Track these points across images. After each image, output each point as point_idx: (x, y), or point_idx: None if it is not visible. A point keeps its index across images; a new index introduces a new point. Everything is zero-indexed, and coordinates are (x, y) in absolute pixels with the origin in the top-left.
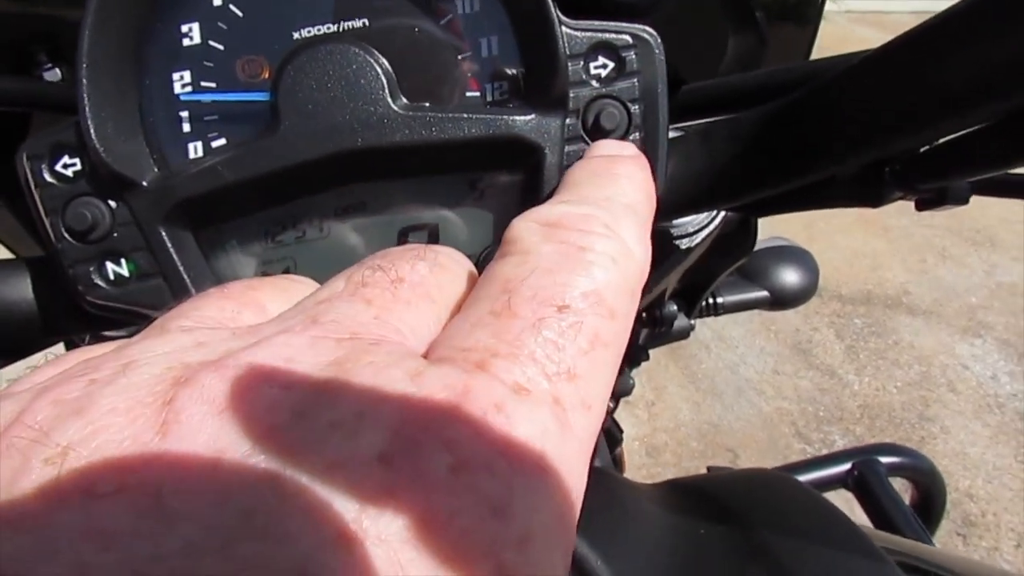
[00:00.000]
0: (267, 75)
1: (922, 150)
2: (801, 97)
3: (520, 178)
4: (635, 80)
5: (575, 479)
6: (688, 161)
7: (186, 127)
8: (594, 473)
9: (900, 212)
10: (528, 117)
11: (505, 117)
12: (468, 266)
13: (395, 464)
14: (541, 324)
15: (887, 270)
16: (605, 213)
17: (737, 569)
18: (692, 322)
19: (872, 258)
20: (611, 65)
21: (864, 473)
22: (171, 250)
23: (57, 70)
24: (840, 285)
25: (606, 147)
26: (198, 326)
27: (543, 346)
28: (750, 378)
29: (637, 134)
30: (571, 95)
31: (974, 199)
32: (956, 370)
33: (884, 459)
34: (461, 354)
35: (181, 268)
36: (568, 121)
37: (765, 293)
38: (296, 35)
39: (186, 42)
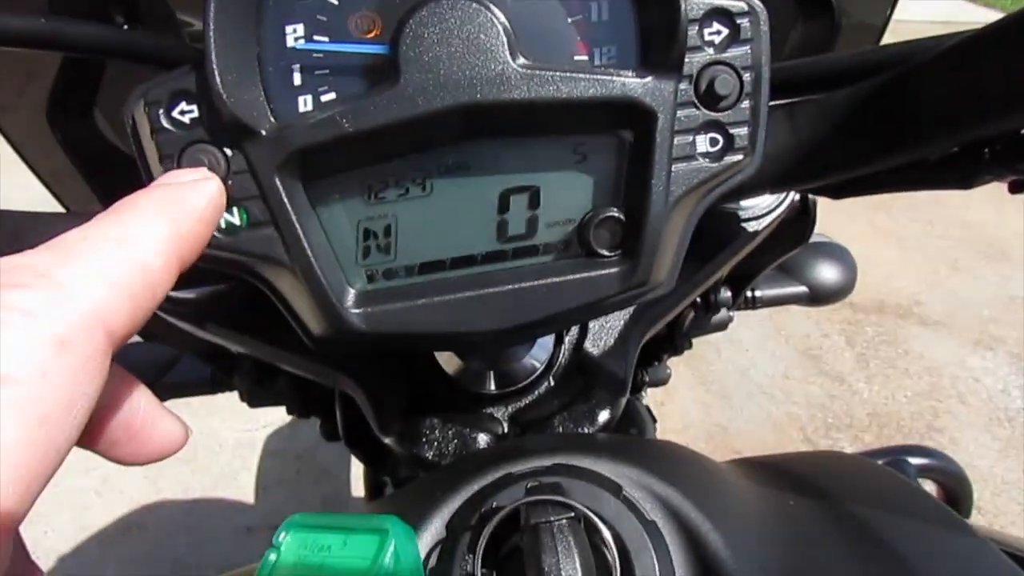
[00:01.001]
0: (378, 31)
1: None
2: (902, 75)
3: (626, 142)
4: (748, 48)
5: None
6: (774, 140)
7: (297, 80)
8: (671, 444)
9: (913, 222)
10: (644, 81)
11: (621, 79)
12: None
13: None
14: None
15: (900, 280)
16: (59, 255)
17: (835, 542)
18: (731, 314)
19: (885, 267)
20: (725, 32)
21: None
22: (284, 199)
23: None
24: (853, 293)
25: (162, 178)
26: None
27: None
28: (760, 382)
29: (747, 102)
30: (686, 59)
31: (993, 211)
32: (967, 382)
33: (913, 460)
34: None
35: (293, 217)
36: (681, 86)
37: (803, 288)
38: None
39: None
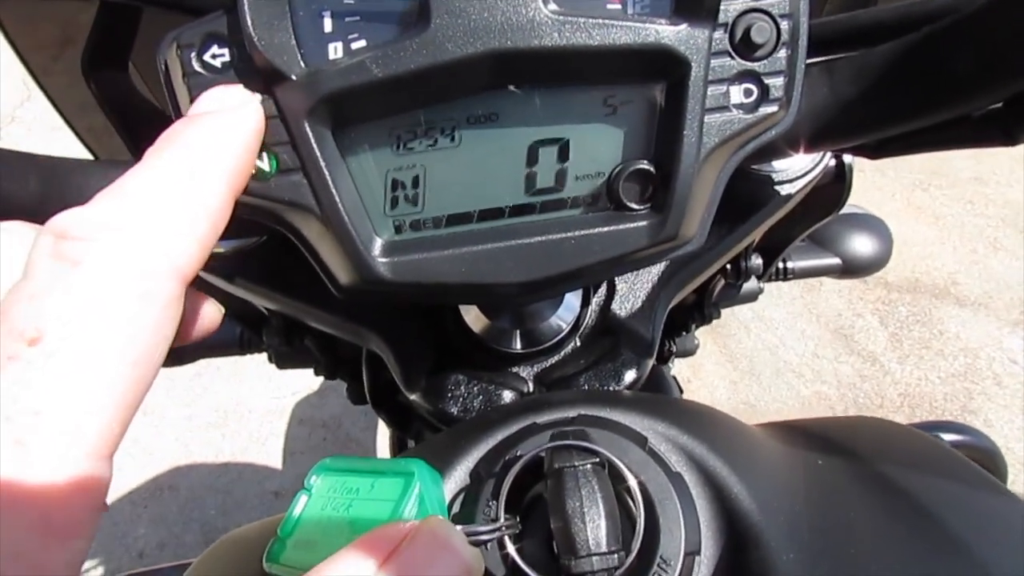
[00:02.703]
0: None
1: None
2: (948, 25)
3: (658, 93)
4: None
5: None
6: (811, 97)
7: (327, 26)
8: (698, 403)
9: (953, 200)
10: (678, 28)
11: (655, 26)
12: None
13: None
14: (7, 363)
15: (936, 259)
16: (125, 205)
17: (864, 499)
18: (761, 285)
19: (921, 246)
20: None
21: None
22: (313, 145)
23: None
24: (887, 271)
25: (205, 101)
26: None
27: (4, 388)
28: (789, 360)
29: (784, 51)
30: (721, 7)
31: None
32: (1003, 363)
33: (945, 436)
34: None
35: (322, 164)
36: (716, 35)
37: (837, 260)
38: None
39: None
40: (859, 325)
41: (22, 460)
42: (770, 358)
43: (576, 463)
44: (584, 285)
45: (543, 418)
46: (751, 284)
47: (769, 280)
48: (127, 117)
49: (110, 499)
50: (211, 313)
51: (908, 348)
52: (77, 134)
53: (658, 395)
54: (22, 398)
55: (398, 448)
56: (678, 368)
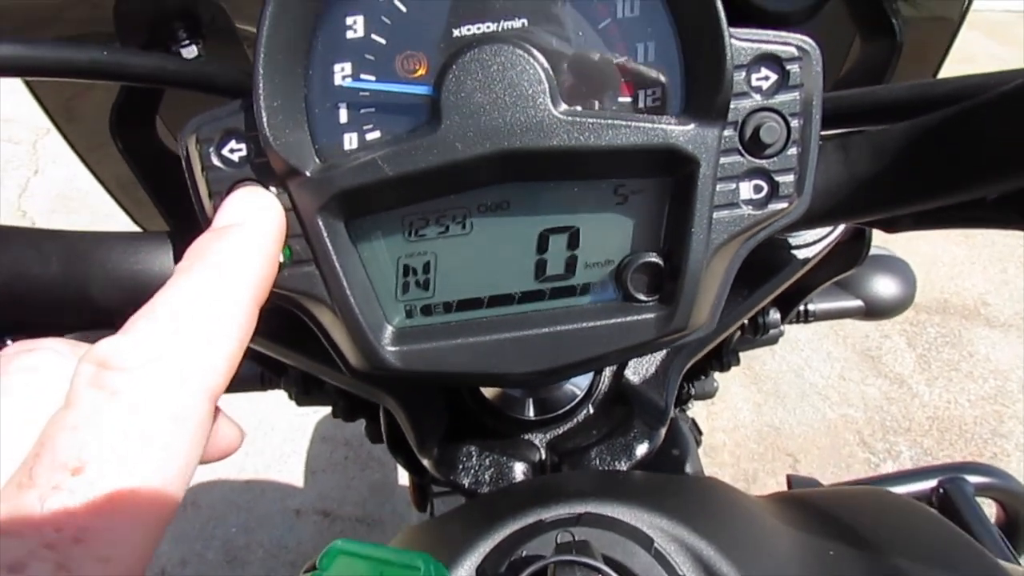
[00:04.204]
0: (424, 71)
1: None
2: (965, 111)
3: (668, 186)
4: (797, 94)
5: None
6: (825, 174)
7: (343, 117)
8: (707, 481)
9: None
10: (687, 128)
11: (663, 126)
12: None
13: None
14: (52, 493)
15: (966, 279)
16: (158, 331)
17: None
18: (782, 328)
19: (951, 266)
20: (774, 77)
21: (949, 491)
22: (326, 238)
23: (194, 47)
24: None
25: (229, 209)
26: None
27: (49, 517)
28: (815, 382)
29: (795, 149)
30: (732, 106)
31: None
32: None
33: (971, 478)
34: None
35: (334, 256)
36: (726, 133)
37: (859, 303)
38: (457, 33)
39: (350, 34)
40: (886, 347)
41: None
42: (795, 380)
43: None
44: (593, 370)
45: (550, 514)
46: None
47: (791, 323)
48: (154, 174)
49: None
50: (232, 436)
51: (937, 370)
52: (106, 188)
53: (667, 477)
54: (66, 527)
55: (418, 490)
56: None
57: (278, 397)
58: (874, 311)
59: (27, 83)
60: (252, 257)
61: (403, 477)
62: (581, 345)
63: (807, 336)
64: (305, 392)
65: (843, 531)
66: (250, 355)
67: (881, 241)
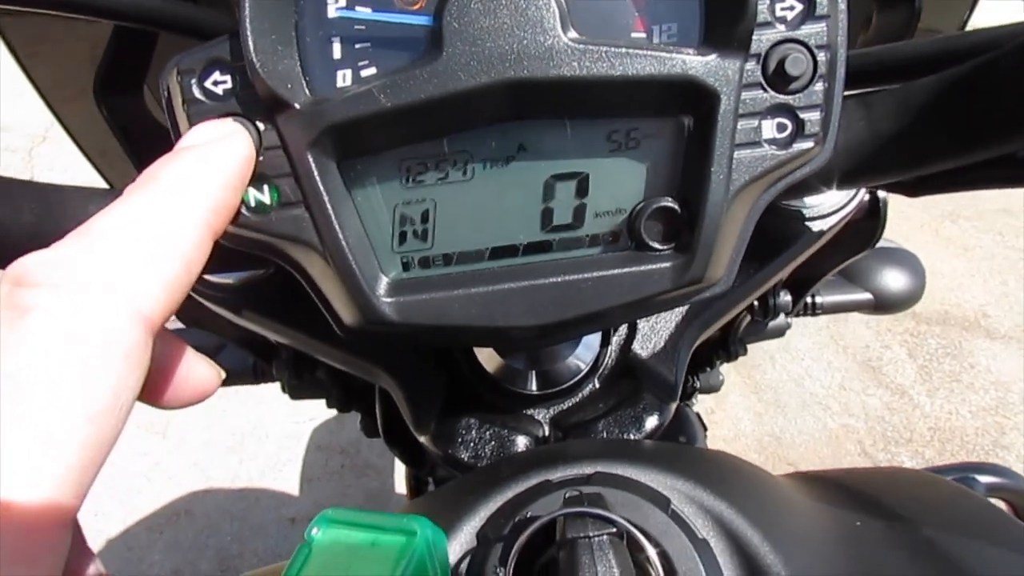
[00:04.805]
0: (423, 3)
1: None
2: (992, 61)
3: (685, 127)
4: (824, 24)
5: None
6: (847, 132)
7: (336, 53)
8: (723, 454)
9: (982, 232)
10: (707, 59)
11: (681, 56)
12: None
13: None
14: None
15: (966, 291)
16: (88, 247)
17: (902, 564)
18: (789, 320)
19: (951, 278)
20: (799, 7)
21: None
22: (317, 178)
23: None
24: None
25: (191, 135)
26: None
27: None
28: (816, 392)
29: (821, 84)
30: (754, 36)
31: None
32: None
33: (981, 478)
34: None
35: (326, 198)
36: (748, 66)
37: (868, 296)
38: None
39: None
40: (887, 357)
41: None
42: (796, 389)
43: (591, 533)
44: (603, 328)
45: (557, 474)
46: (779, 319)
47: (797, 315)
48: (140, 142)
49: (126, 523)
50: (206, 376)
51: (938, 381)
52: (88, 158)
53: (681, 446)
54: None
55: (414, 483)
56: (701, 399)
57: (272, 405)
58: (883, 304)
59: (16, 57)
60: (206, 180)
61: (400, 485)
62: (591, 297)
63: (807, 346)
64: (298, 377)
65: (868, 504)
66: (239, 342)
67: (889, 237)
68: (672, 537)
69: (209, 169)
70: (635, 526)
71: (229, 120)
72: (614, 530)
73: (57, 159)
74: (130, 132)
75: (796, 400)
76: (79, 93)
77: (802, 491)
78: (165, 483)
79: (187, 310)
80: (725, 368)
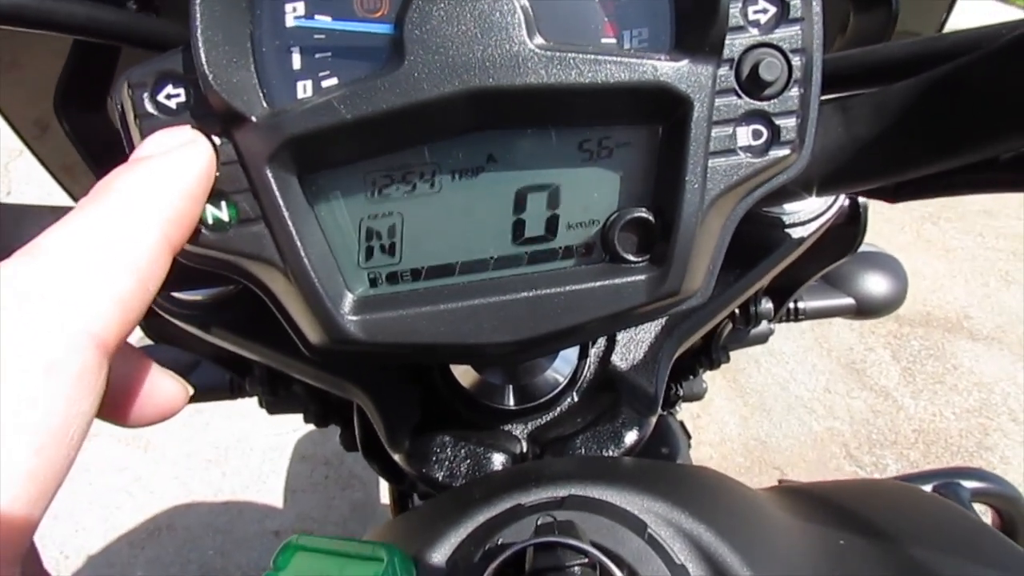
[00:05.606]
0: (385, 11)
1: None
2: (970, 63)
3: (657, 135)
4: (798, 28)
5: None
6: (825, 138)
7: (296, 63)
8: (704, 470)
9: (963, 233)
10: (678, 64)
11: (652, 62)
12: None
13: None
14: None
15: (947, 292)
16: (35, 263)
17: None
18: (772, 326)
19: (932, 279)
20: (773, 10)
21: (945, 496)
22: (276, 193)
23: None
24: None
25: (146, 145)
26: None
27: None
28: (800, 395)
29: (796, 90)
30: (727, 41)
31: None
32: (1019, 399)
33: (966, 483)
34: None
35: (286, 213)
36: (721, 71)
37: (850, 300)
38: None
39: None
40: (871, 359)
41: None
42: (781, 393)
43: (562, 563)
44: (577, 343)
45: (530, 498)
46: (762, 326)
47: (780, 321)
48: (102, 157)
49: (107, 539)
50: (172, 393)
51: (921, 383)
52: (52, 174)
53: (660, 463)
54: None
55: (398, 497)
56: (685, 405)
57: (255, 417)
58: (865, 309)
59: None
60: (162, 191)
61: (385, 496)
62: (564, 311)
63: (792, 349)
64: (272, 393)
65: (850, 521)
66: (213, 358)
67: (870, 240)
68: (648, 563)
69: (165, 178)
70: (609, 554)
71: (187, 128)
72: (585, 560)
73: (33, 173)
74: (93, 147)
75: (781, 403)
76: (39, 106)
77: (784, 507)
78: (147, 498)
79: (157, 327)
80: (710, 372)
